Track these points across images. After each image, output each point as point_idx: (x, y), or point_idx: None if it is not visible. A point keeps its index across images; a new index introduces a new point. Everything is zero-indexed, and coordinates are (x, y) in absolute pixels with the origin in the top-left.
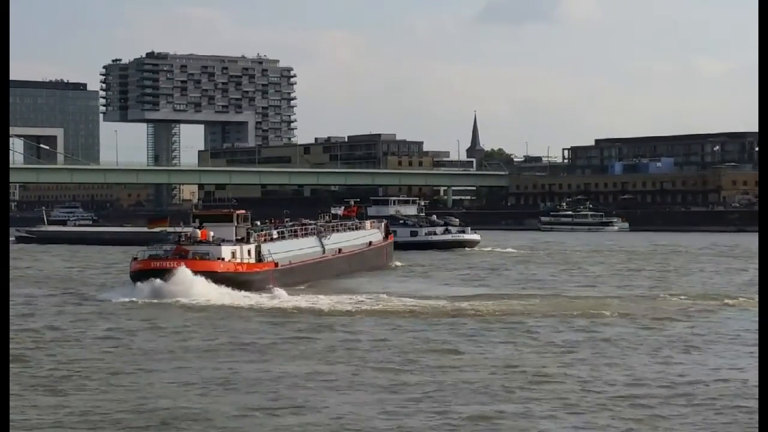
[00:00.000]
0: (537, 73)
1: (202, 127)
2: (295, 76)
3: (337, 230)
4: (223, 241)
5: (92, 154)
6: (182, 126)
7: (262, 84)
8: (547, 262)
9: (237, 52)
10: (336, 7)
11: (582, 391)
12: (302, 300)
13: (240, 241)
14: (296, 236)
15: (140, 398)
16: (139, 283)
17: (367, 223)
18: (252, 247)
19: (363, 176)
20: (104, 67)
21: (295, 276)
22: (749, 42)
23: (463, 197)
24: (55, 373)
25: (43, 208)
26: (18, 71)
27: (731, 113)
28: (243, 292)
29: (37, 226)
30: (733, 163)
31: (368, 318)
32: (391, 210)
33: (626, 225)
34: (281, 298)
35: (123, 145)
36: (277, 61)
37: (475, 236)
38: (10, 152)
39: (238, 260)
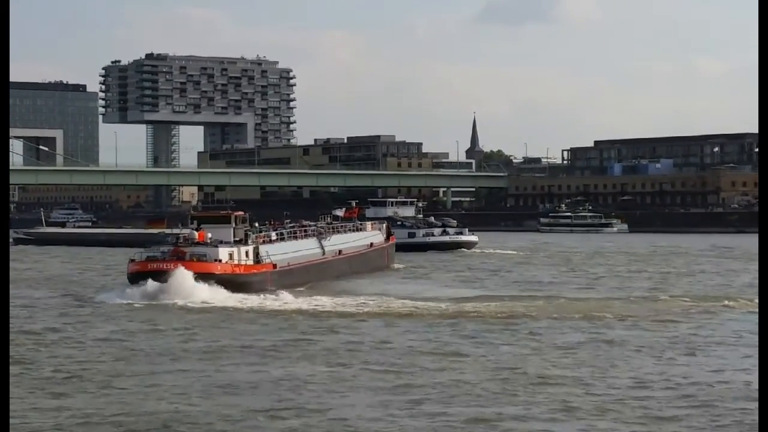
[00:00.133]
0: (537, 73)
1: (201, 128)
2: (294, 77)
3: (338, 232)
4: (221, 242)
5: (91, 156)
6: (181, 127)
7: (261, 85)
8: (547, 264)
9: (236, 52)
10: (336, 7)
11: (584, 394)
12: (303, 302)
13: (238, 242)
14: (295, 238)
15: (141, 401)
16: (136, 285)
17: (368, 224)
18: (250, 248)
19: (362, 178)
20: (103, 68)
21: (293, 277)
22: (749, 42)
23: (462, 198)
24: (56, 376)
25: (42, 209)
26: (17, 72)
27: (731, 114)
28: (242, 294)
29: (35, 227)
30: (733, 164)
31: (370, 320)
32: (389, 211)
33: (625, 226)
34: (283, 300)
35: (122, 146)
36: (277, 62)
37: (473, 237)
38: (10, 154)
39: (236, 262)
